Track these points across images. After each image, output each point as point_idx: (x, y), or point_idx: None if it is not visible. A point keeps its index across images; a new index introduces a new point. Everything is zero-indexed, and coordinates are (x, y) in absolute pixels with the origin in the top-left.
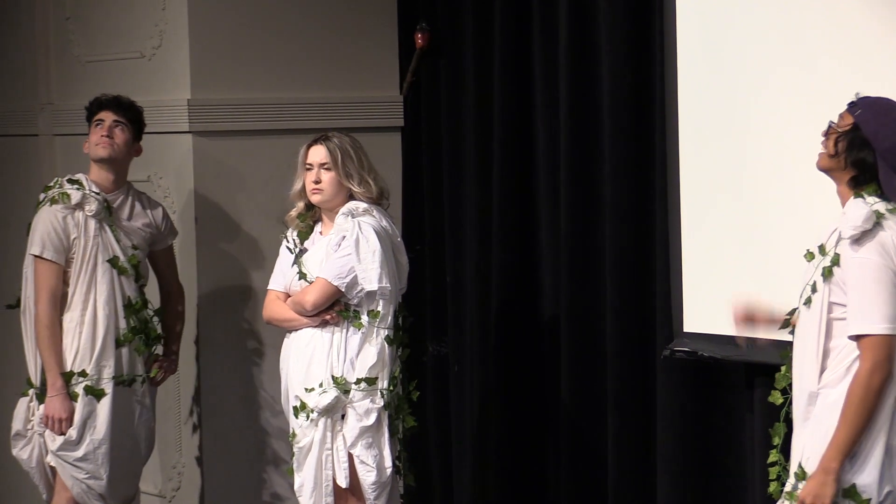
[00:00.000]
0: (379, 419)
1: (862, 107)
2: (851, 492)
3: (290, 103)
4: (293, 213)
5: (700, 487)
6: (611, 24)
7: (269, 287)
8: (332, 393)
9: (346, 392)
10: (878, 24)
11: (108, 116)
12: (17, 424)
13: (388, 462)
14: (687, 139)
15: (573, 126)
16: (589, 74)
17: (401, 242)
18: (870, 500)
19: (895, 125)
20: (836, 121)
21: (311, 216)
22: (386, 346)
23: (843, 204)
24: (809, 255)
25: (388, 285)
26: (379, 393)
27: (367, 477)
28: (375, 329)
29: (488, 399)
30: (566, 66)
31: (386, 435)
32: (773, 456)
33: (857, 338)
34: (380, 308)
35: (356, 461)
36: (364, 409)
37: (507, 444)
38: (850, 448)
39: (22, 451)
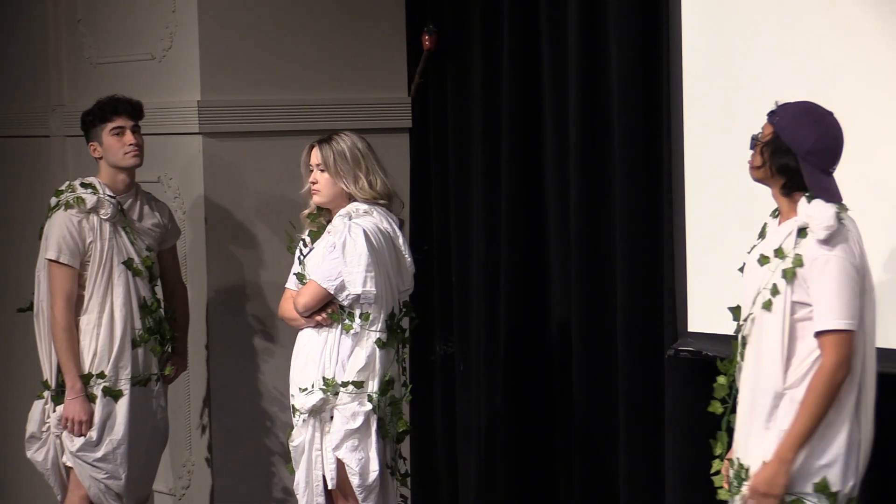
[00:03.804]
0: (367, 422)
1: (780, 114)
2: (822, 485)
3: (299, 105)
4: (304, 212)
5: (708, 486)
6: (620, 25)
7: (286, 285)
8: (318, 395)
9: (336, 394)
10: (886, 31)
11: (127, 123)
12: (31, 427)
13: (374, 466)
14: (692, 141)
15: (583, 127)
16: (598, 75)
17: (405, 244)
18: (837, 492)
19: (813, 126)
20: (759, 132)
21: (324, 216)
22: (377, 349)
23: (782, 209)
24: (764, 259)
25: (373, 289)
26: (367, 396)
27: (353, 479)
28: (367, 332)
29: (495, 399)
30: (575, 67)
31: (374, 438)
32: (717, 465)
33: (821, 334)
34: (370, 311)
35: (343, 463)
36: (350, 412)
37: (513, 444)
38: (806, 439)
39: (37, 454)
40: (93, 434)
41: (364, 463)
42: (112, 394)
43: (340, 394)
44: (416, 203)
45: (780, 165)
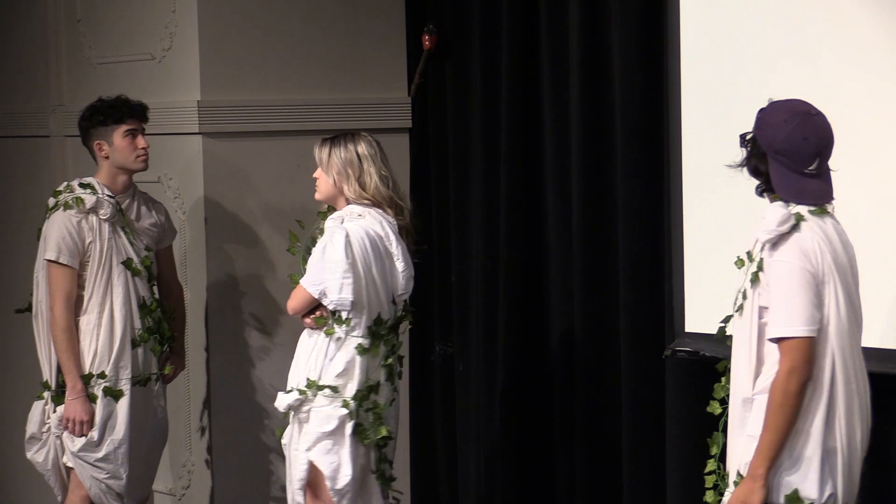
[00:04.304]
0: (341, 426)
1: (762, 112)
2: (793, 497)
3: (299, 105)
4: (319, 209)
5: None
6: (621, 25)
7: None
8: (294, 395)
9: (316, 395)
10: (880, 22)
11: (138, 126)
12: (31, 427)
13: (346, 470)
14: (690, 141)
15: (583, 127)
16: (599, 74)
17: (399, 249)
18: (812, 503)
19: (782, 125)
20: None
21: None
22: (357, 355)
23: None
24: (740, 262)
25: (349, 296)
26: (342, 401)
27: (326, 483)
28: (348, 337)
29: (495, 399)
30: (576, 66)
31: (348, 443)
32: (711, 465)
33: (776, 340)
34: (351, 316)
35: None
36: (325, 415)
37: (513, 444)
38: (775, 452)
39: (37, 455)
40: (94, 434)
41: (336, 467)
42: (113, 394)
43: (318, 396)
44: (416, 203)
45: (752, 166)
